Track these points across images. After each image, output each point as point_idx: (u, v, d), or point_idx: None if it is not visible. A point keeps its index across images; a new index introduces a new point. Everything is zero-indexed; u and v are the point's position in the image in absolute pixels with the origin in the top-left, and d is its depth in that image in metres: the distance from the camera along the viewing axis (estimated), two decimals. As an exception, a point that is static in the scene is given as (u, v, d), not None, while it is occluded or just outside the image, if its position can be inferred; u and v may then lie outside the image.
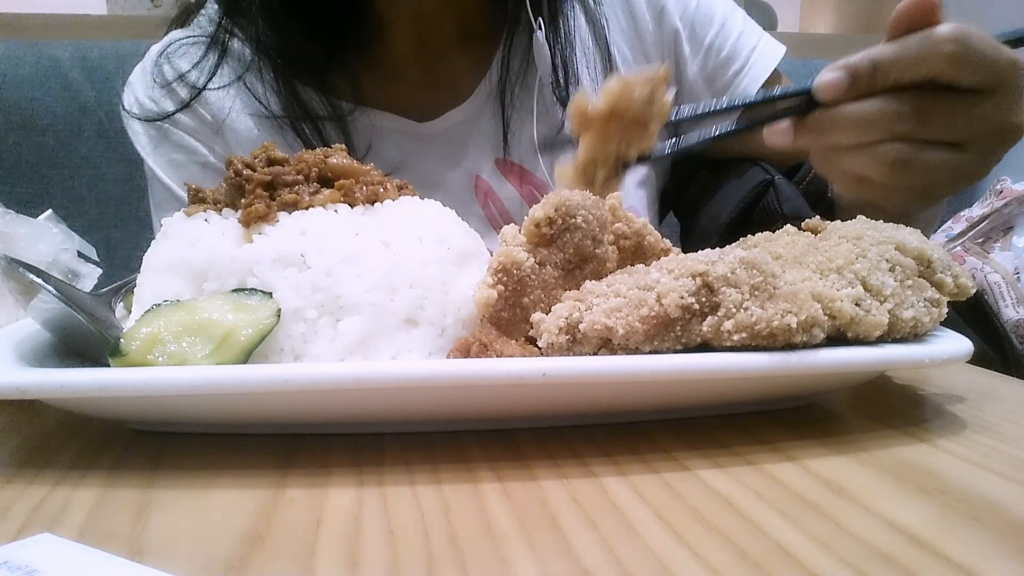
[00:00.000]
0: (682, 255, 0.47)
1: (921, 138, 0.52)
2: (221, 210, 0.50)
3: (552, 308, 0.45)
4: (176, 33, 0.89)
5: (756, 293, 0.42)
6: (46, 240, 0.63)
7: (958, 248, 1.05)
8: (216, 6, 0.87)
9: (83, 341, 0.47)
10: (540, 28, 0.82)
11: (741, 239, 0.57)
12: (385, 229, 0.49)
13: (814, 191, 0.82)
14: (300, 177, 0.51)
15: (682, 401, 0.46)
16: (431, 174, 0.85)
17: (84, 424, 0.46)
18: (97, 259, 0.67)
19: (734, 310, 0.41)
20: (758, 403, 0.48)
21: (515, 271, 0.47)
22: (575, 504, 0.35)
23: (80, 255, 0.66)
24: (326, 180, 0.52)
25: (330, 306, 0.45)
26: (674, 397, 0.45)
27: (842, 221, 0.53)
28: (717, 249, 0.46)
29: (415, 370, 0.39)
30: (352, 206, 0.50)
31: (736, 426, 0.45)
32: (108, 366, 0.41)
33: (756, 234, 0.57)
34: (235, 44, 0.85)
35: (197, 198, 0.52)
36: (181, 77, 0.85)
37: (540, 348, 0.44)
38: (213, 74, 0.84)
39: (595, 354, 0.43)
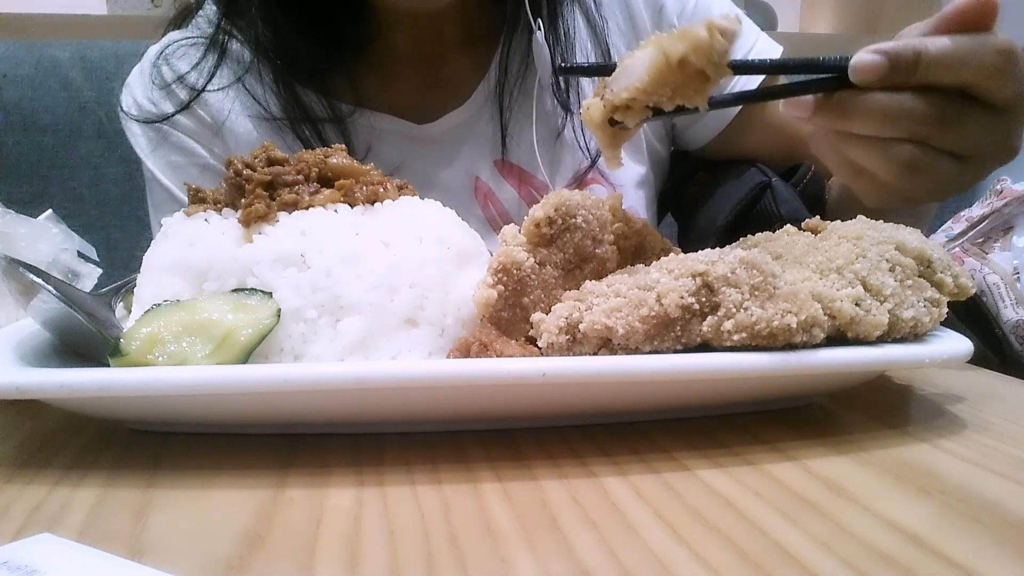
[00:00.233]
0: (682, 255, 0.47)
1: (935, 145, 0.51)
2: (221, 210, 0.50)
3: (552, 308, 0.45)
4: (174, 34, 0.88)
5: (756, 293, 0.42)
6: (46, 240, 0.63)
7: (956, 249, 1.05)
8: (214, 7, 0.86)
9: (83, 341, 0.47)
10: (539, 29, 0.82)
11: (741, 239, 0.57)
12: (385, 229, 0.49)
13: (811, 193, 0.82)
14: (300, 177, 0.51)
15: (682, 401, 0.46)
16: (430, 176, 0.85)
17: (84, 424, 0.46)
18: (97, 259, 0.67)
19: (734, 310, 0.41)
20: (758, 403, 0.48)
21: (515, 271, 0.47)
22: (575, 504, 0.35)
23: (80, 255, 0.66)
24: (326, 180, 0.52)
25: (330, 306, 0.45)
26: (674, 397, 0.45)
27: (842, 221, 0.53)
28: (717, 249, 0.46)
29: (415, 370, 0.39)
30: (352, 206, 0.50)
31: (736, 426, 0.45)
32: (108, 366, 0.41)
33: (756, 234, 0.57)
34: (234, 45, 0.85)
35: (197, 198, 0.52)
36: (180, 79, 0.84)
37: (540, 348, 0.44)
38: (212, 76, 0.84)
39: (595, 354, 0.43)
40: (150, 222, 0.92)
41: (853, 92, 0.50)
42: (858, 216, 0.52)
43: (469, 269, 0.51)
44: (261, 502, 0.36)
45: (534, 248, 0.48)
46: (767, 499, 0.36)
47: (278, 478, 0.39)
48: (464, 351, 0.44)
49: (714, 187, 0.89)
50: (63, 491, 0.37)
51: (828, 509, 0.35)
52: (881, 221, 0.51)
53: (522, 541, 0.32)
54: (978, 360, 0.50)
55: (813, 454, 0.41)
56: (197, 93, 0.83)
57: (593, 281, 0.47)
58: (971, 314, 0.95)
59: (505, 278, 0.47)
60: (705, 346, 0.42)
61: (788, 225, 0.56)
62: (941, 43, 0.48)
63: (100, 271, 0.65)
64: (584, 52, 0.87)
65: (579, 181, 0.88)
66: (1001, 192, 1.05)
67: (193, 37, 0.87)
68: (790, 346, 0.41)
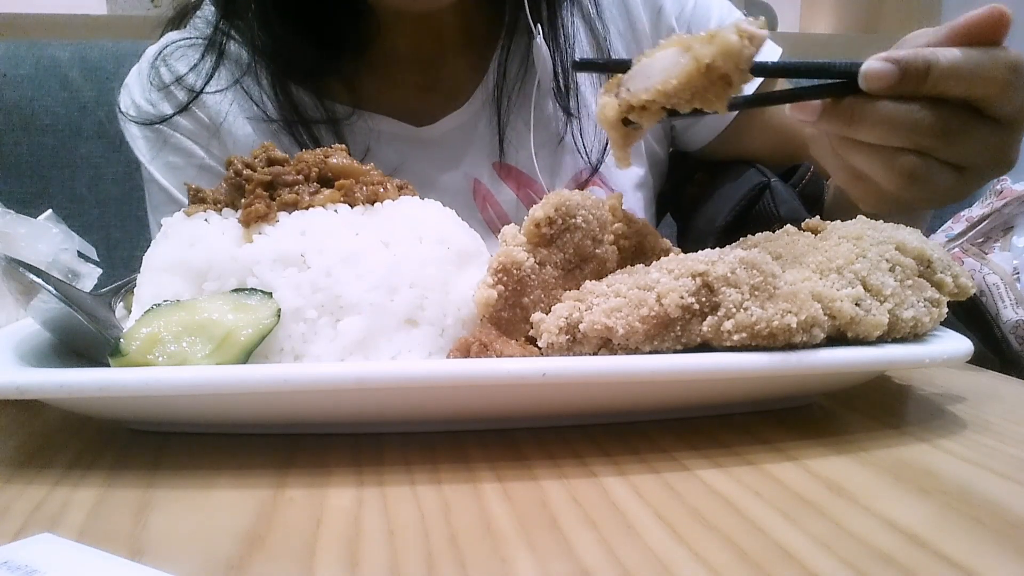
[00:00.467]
0: (682, 255, 0.47)
1: (938, 156, 0.51)
2: (221, 210, 0.50)
3: (552, 308, 0.45)
4: (172, 35, 0.88)
5: (756, 293, 0.42)
6: (46, 240, 0.63)
7: (956, 249, 1.05)
8: (212, 7, 0.86)
9: (83, 341, 0.47)
10: (539, 34, 0.82)
11: (741, 239, 0.57)
12: (385, 229, 0.49)
13: (810, 193, 0.82)
14: (300, 177, 0.51)
15: (682, 401, 0.46)
16: (429, 178, 0.85)
17: (84, 424, 0.46)
18: (97, 259, 0.67)
19: (734, 310, 0.41)
20: (758, 403, 0.48)
21: (515, 271, 0.47)
22: (575, 504, 0.35)
23: (80, 255, 0.66)
24: (326, 180, 0.52)
25: (330, 306, 0.45)
26: (674, 397, 0.45)
27: (842, 221, 0.53)
28: (717, 249, 0.46)
29: (415, 370, 0.39)
30: (352, 206, 0.50)
31: (736, 426, 0.45)
32: (108, 366, 0.41)
33: (756, 234, 0.57)
34: (232, 47, 0.85)
35: (197, 198, 0.52)
36: (179, 80, 0.84)
37: (540, 348, 0.44)
38: (211, 77, 0.83)
39: (595, 354, 0.43)
40: (149, 223, 0.91)
41: (861, 99, 0.50)
42: (858, 216, 0.52)
43: (469, 269, 0.51)
44: (261, 502, 0.36)
45: (534, 248, 0.48)
46: (767, 499, 0.36)
47: (278, 478, 0.39)
48: (464, 351, 0.44)
49: (713, 188, 0.89)
50: (63, 491, 0.37)
51: (828, 509, 0.35)
52: (881, 221, 0.51)
53: (522, 541, 0.32)
54: (978, 360, 0.50)
55: (813, 454, 0.41)
56: (196, 95, 0.83)
57: (593, 281, 0.47)
58: (971, 315, 0.95)
59: (505, 278, 0.47)
60: (705, 346, 0.42)
61: (788, 225, 0.56)
62: (952, 55, 0.48)
63: (100, 271, 0.65)
64: (584, 55, 0.87)
65: (578, 186, 0.88)
66: (1001, 192, 1.05)
67: (191, 38, 0.86)
68: (790, 346, 0.41)
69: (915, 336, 0.45)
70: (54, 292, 0.45)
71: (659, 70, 0.47)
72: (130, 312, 0.52)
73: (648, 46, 0.88)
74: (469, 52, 0.88)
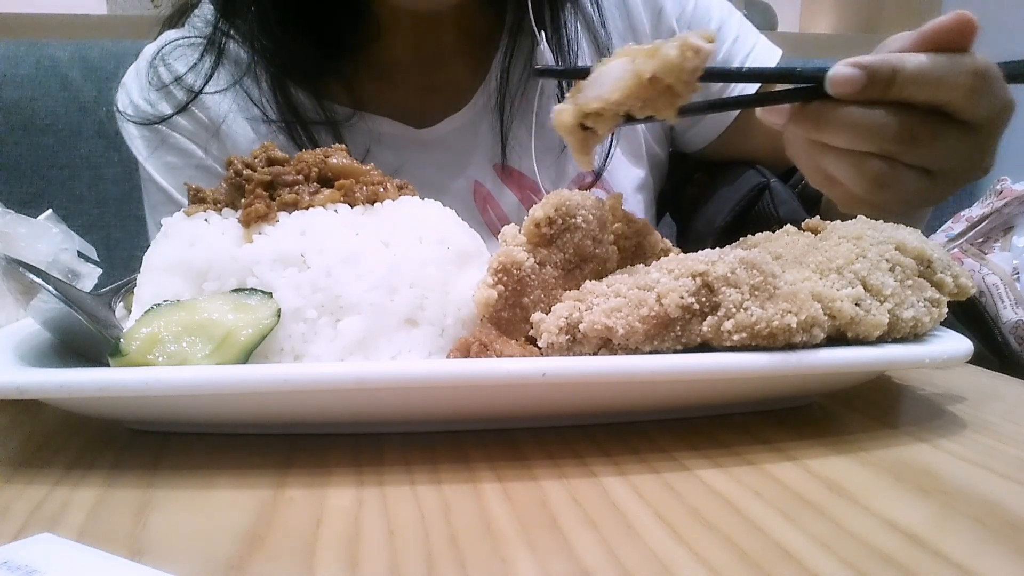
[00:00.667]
0: (682, 255, 0.47)
1: (905, 161, 0.51)
2: (221, 210, 0.50)
3: (552, 308, 0.45)
4: (170, 34, 0.87)
5: (756, 293, 0.42)
6: (46, 240, 0.63)
7: (955, 250, 1.05)
8: (211, 6, 0.86)
9: (83, 341, 0.47)
10: (543, 40, 0.81)
11: (741, 239, 0.57)
12: (385, 229, 0.49)
13: (810, 194, 0.82)
14: (300, 177, 0.51)
15: (682, 401, 0.46)
16: (429, 180, 0.85)
17: (84, 424, 0.46)
18: (97, 259, 0.67)
19: (734, 310, 0.41)
20: (758, 403, 0.48)
21: (515, 271, 0.47)
22: (575, 504, 0.35)
23: (80, 255, 0.66)
24: (326, 180, 0.52)
25: (330, 306, 0.45)
26: (674, 397, 0.45)
27: (842, 221, 0.53)
28: (717, 249, 0.46)
29: (415, 370, 0.39)
30: (352, 206, 0.50)
31: (736, 426, 0.45)
32: (108, 366, 0.41)
33: (756, 234, 0.57)
34: (231, 46, 0.84)
35: (197, 198, 0.52)
36: (177, 79, 0.84)
37: (540, 348, 0.44)
38: (210, 77, 0.83)
39: (595, 354, 0.43)
40: (147, 223, 0.91)
41: (829, 104, 0.51)
42: (858, 216, 0.52)
43: (469, 269, 0.51)
44: (261, 502, 0.36)
45: (534, 248, 0.48)
46: (767, 499, 0.36)
47: (278, 478, 0.39)
48: (464, 351, 0.44)
49: (713, 188, 0.89)
50: (63, 491, 0.37)
51: (828, 509, 0.35)
52: (881, 221, 0.51)
53: (522, 541, 0.32)
54: (978, 361, 0.50)
55: (813, 454, 0.41)
56: (195, 95, 0.83)
57: (593, 281, 0.47)
58: (970, 315, 0.95)
59: (505, 278, 0.47)
60: (705, 346, 0.42)
61: (788, 225, 0.56)
62: (918, 61, 0.49)
63: (100, 271, 0.65)
64: (585, 60, 0.87)
65: (580, 189, 0.88)
66: (1001, 192, 1.05)
67: (190, 37, 0.86)
68: (790, 346, 0.41)
69: (915, 336, 0.45)
70: (54, 292, 0.45)
71: (610, 79, 0.48)
72: (130, 312, 0.52)
73: None
74: (470, 53, 0.88)
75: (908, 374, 0.56)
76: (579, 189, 0.87)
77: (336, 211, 0.49)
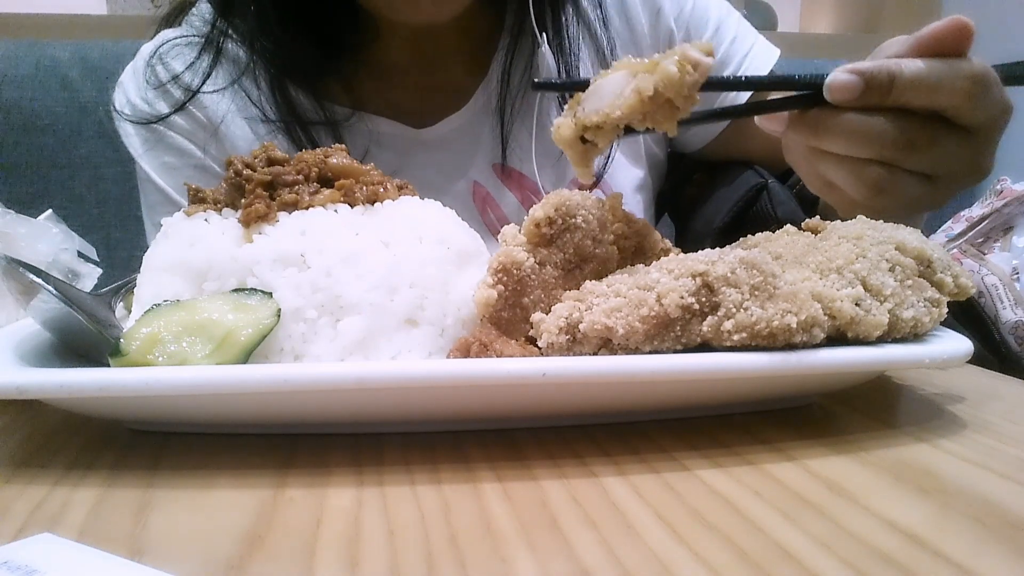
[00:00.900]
0: (682, 255, 0.47)
1: (904, 167, 0.51)
2: (221, 210, 0.50)
3: (552, 308, 0.45)
4: (168, 32, 0.87)
5: (756, 293, 0.42)
6: (46, 240, 0.63)
7: (954, 250, 1.05)
8: (209, 5, 0.86)
9: (83, 341, 0.47)
10: (544, 42, 0.81)
11: (741, 239, 0.57)
12: (385, 229, 0.49)
13: (807, 195, 0.82)
14: (300, 177, 0.51)
15: (682, 401, 0.46)
16: (428, 180, 0.84)
17: (84, 424, 0.46)
18: (97, 259, 0.67)
19: (734, 310, 0.41)
20: (758, 403, 0.48)
21: (515, 271, 0.47)
22: (575, 504, 0.35)
23: (80, 255, 0.66)
24: (326, 180, 0.52)
25: (330, 306, 0.45)
26: (674, 397, 0.45)
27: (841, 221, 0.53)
28: (717, 249, 0.46)
29: (415, 370, 0.39)
30: (352, 206, 0.50)
31: (736, 426, 0.45)
32: (108, 366, 0.41)
33: (756, 234, 0.57)
34: (230, 46, 0.84)
35: (197, 198, 0.52)
36: (175, 78, 0.84)
37: (540, 348, 0.44)
38: (207, 76, 0.83)
39: (595, 354, 0.43)
40: (144, 223, 0.91)
41: (827, 111, 0.51)
42: (858, 216, 0.52)
43: (469, 269, 0.51)
44: (261, 502, 0.36)
45: (534, 248, 0.48)
46: (767, 499, 0.36)
47: (278, 478, 0.39)
48: (464, 351, 0.44)
49: (711, 189, 0.89)
50: (63, 491, 0.37)
51: (828, 509, 0.35)
52: (881, 221, 0.51)
53: (522, 541, 0.32)
54: (977, 361, 0.50)
55: (813, 454, 0.41)
56: (192, 94, 0.83)
57: (593, 281, 0.47)
58: (969, 316, 0.95)
59: (505, 278, 0.47)
60: (705, 346, 0.42)
61: (788, 225, 0.56)
62: (915, 67, 0.49)
63: (100, 271, 0.65)
64: (585, 62, 0.86)
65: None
66: (1001, 192, 1.05)
67: (188, 36, 0.85)
68: (790, 346, 0.41)
69: (915, 336, 0.45)
70: (54, 292, 0.45)
71: (609, 93, 0.49)
72: (130, 312, 0.52)
73: (647, 47, 0.88)
74: (469, 53, 0.88)
75: (908, 374, 0.56)
76: (579, 189, 0.87)
77: (336, 211, 0.49)
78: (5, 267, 0.48)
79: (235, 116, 0.83)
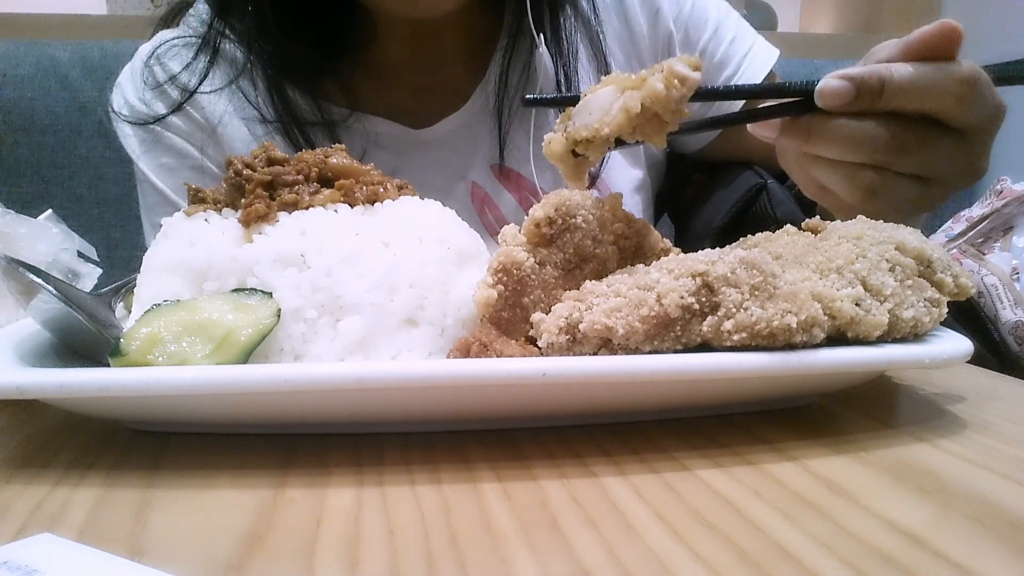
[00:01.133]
0: (682, 255, 0.47)
1: (897, 170, 0.51)
2: (221, 210, 0.50)
3: (552, 308, 0.45)
4: (165, 33, 0.87)
5: (756, 293, 0.42)
6: (46, 240, 0.63)
7: (954, 251, 1.05)
8: (206, 5, 0.86)
9: (83, 341, 0.47)
10: (542, 43, 0.81)
11: (741, 239, 0.57)
12: (385, 229, 0.49)
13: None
14: (300, 177, 0.51)
15: (682, 401, 0.46)
16: (427, 180, 0.84)
17: (84, 424, 0.46)
18: (97, 259, 0.67)
19: (734, 310, 0.41)
20: (758, 403, 0.48)
21: (515, 271, 0.47)
22: (575, 504, 0.35)
23: (80, 255, 0.66)
24: (326, 180, 0.52)
25: (330, 306, 0.45)
26: (674, 397, 0.45)
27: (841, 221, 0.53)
28: (717, 249, 0.46)
29: (415, 370, 0.39)
30: (352, 206, 0.50)
31: (736, 426, 0.45)
32: (108, 366, 0.41)
33: (756, 234, 0.57)
34: (227, 46, 0.84)
35: (197, 198, 0.52)
36: (172, 79, 0.84)
37: (540, 348, 0.44)
38: (204, 77, 0.83)
39: (595, 354, 0.43)
40: (143, 223, 0.91)
41: (819, 116, 0.51)
42: (858, 216, 0.52)
43: (469, 269, 0.51)
44: (261, 502, 0.36)
45: (534, 248, 0.49)
46: (767, 499, 0.36)
47: (278, 478, 0.39)
48: (464, 351, 0.44)
49: (710, 189, 0.90)
50: (63, 491, 0.37)
51: (828, 509, 0.35)
52: (881, 221, 0.51)
53: (522, 541, 0.32)
54: (977, 361, 0.50)
55: (813, 454, 0.41)
56: (190, 94, 0.82)
57: (593, 281, 0.47)
58: (968, 316, 0.95)
59: (505, 278, 0.47)
60: (705, 346, 0.42)
61: (788, 225, 0.56)
62: (905, 71, 0.49)
63: (100, 271, 0.65)
64: (583, 64, 0.86)
65: None
66: (1001, 192, 1.05)
67: (185, 36, 0.85)
68: (790, 346, 0.41)
69: (915, 336, 0.45)
70: (54, 292, 0.45)
71: (598, 108, 0.49)
72: (130, 312, 0.52)
73: (646, 48, 0.88)
74: (468, 54, 0.88)
75: (908, 374, 0.56)
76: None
77: (336, 211, 0.49)
78: (5, 267, 0.48)
79: (232, 117, 0.83)
